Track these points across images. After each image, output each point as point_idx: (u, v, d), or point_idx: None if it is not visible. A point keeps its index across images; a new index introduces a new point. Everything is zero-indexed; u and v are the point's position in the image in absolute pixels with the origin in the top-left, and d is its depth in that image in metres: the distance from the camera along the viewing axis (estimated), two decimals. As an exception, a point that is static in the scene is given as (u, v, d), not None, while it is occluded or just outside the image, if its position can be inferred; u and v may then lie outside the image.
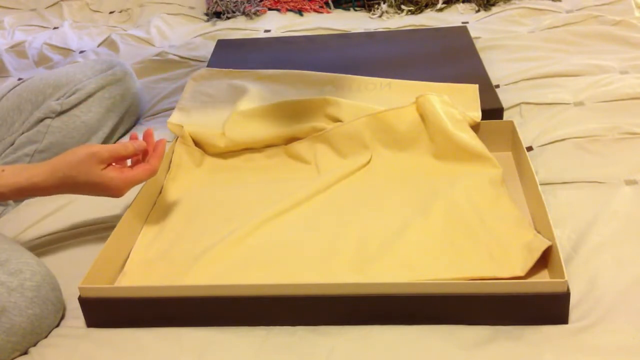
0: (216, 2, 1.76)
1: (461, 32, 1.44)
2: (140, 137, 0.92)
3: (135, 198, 0.94)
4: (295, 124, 1.10)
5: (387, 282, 0.76)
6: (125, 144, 0.87)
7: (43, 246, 0.96)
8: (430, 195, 0.94)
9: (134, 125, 1.27)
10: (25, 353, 0.78)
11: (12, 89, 1.16)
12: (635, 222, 0.87)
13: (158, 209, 0.99)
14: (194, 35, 1.66)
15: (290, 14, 1.75)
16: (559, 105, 1.15)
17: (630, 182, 0.94)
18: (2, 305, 0.74)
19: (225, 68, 1.32)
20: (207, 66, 1.36)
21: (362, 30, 1.58)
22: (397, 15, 1.67)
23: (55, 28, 1.79)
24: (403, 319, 0.75)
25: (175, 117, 1.16)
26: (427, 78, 1.21)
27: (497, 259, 0.81)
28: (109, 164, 0.86)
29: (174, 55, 1.52)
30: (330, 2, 1.77)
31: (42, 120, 1.12)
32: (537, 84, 1.22)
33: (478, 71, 1.24)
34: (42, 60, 1.59)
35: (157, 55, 1.52)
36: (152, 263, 0.88)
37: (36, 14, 1.90)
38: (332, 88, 1.21)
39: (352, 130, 1.05)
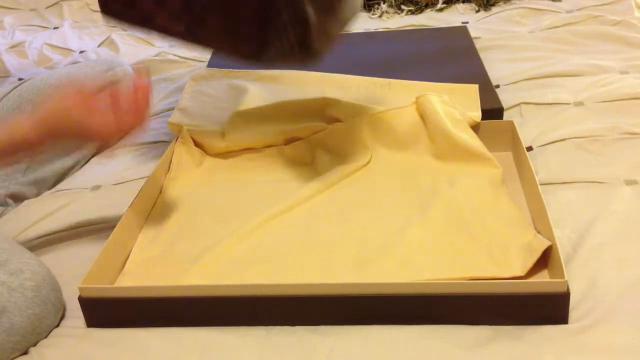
0: (216, 2, 1.76)
1: (461, 32, 1.44)
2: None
3: (135, 198, 0.93)
4: (295, 124, 1.10)
5: (387, 282, 0.76)
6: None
7: (43, 246, 0.96)
8: (430, 195, 0.94)
9: (134, 125, 1.27)
10: (25, 353, 0.77)
11: (12, 89, 1.16)
12: (635, 222, 0.87)
13: (158, 209, 0.99)
14: (194, 35, 1.66)
15: (290, 14, 1.75)
16: (559, 105, 1.14)
17: (630, 182, 0.94)
18: (2, 305, 0.74)
19: (225, 68, 1.32)
20: (207, 66, 1.36)
21: (362, 30, 1.58)
22: (397, 15, 1.67)
23: (55, 28, 1.79)
24: (403, 319, 0.75)
25: (175, 117, 1.16)
26: (427, 78, 1.21)
27: (496, 259, 0.81)
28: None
29: (174, 55, 1.52)
30: (330, 2, 1.77)
31: (42, 120, 1.11)
32: (537, 84, 1.22)
33: (478, 71, 1.24)
34: (42, 60, 1.59)
35: (157, 55, 1.52)
36: (152, 263, 0.88)
37: (36, 14, 1.90)
38: (332, 88, 1.21)
39: (352, 130, 1.05)
